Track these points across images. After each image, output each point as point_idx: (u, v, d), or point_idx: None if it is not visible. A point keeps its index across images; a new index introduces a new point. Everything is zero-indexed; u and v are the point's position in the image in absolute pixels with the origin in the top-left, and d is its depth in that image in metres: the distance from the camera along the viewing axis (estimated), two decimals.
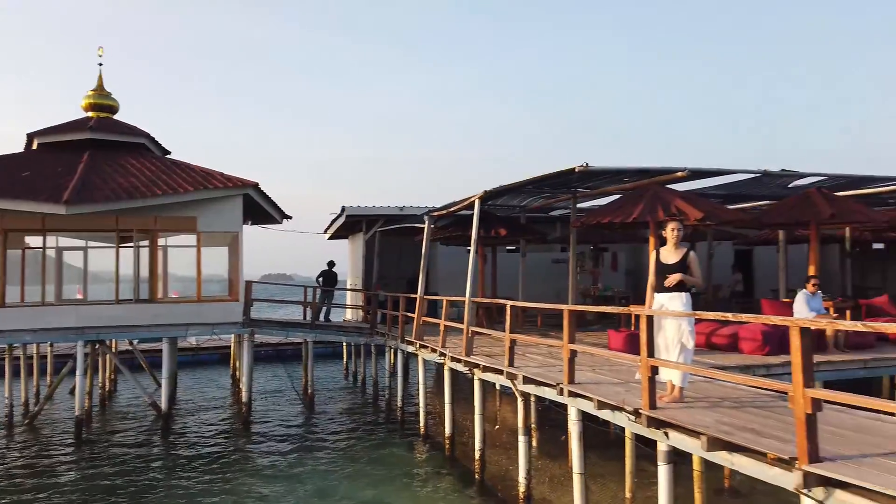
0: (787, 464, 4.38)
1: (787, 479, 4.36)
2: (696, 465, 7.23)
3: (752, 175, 10.79)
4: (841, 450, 4.48)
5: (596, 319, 15.62)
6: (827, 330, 9.72)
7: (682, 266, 6.04)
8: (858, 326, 3.88)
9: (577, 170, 9.79)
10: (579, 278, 18.92)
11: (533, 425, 11.49)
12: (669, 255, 6.23)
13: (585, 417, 7.17)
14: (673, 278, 6.02)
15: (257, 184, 14.62)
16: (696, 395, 6.55)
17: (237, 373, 19.02)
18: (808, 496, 4.21)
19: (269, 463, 11.56)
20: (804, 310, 10.09)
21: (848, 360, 9.46)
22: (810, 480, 4.16)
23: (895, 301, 14.48)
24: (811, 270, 11.18)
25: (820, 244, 23.75)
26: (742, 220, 11.39)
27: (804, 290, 10.21)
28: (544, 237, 15.23)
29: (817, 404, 4.19)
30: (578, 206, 15.17)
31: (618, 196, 12.02)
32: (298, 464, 11.38)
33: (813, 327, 4.45)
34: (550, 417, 11.76)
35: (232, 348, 21.19)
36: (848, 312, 11.39)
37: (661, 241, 6.54)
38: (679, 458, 5.95)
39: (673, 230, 6.18)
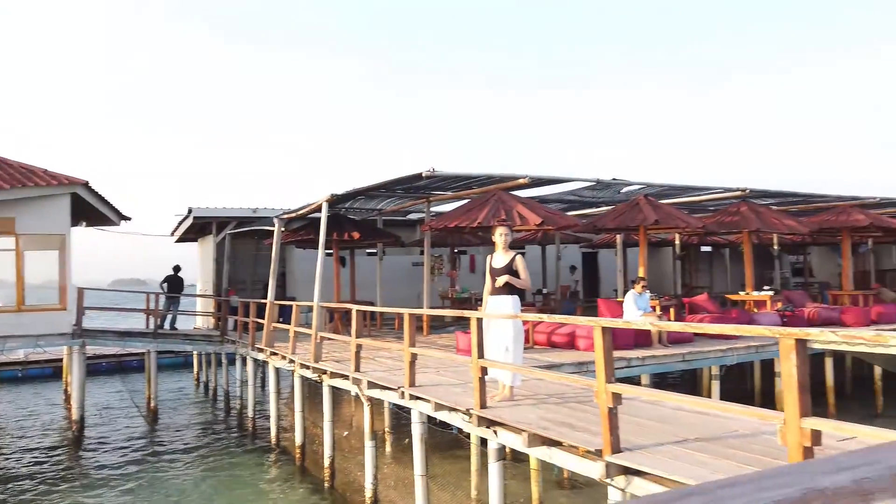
0: (595, 455, 4.69)
1: (595, 470, 4.66)
2: (532, 463, 7.58)
3: (588, 183, 11.52)
4: (642, 440, 4.85)
5: (454, 321, 15.96)
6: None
7: (509, 269, 6.29)
8: (648, 326, 4.22)
9: (424, 174, 9.92)
10: (436, 280, 19.26)
11: (387, 429, 11.51)
12: (499, 258, 6.47)
13: (438, 420, 7.28)
14: (499, 281, 6.26)
15: (87, 182, 13.43)
16: (528, 392, 6.85)
17: (69, 388, 17.38)
18: (612, 485, 4.53)
19: (102, 481, 10.64)
20: (633, 308, 10.91)
21: (669, 354, 10.35)
22: (612, 470, 4.48)
23: (714, 298, 16.13)
24: (640, 272, 12.14)
25: (655, 247, 25.86)
26: (579, 225, 12.11)
27: (633, 290, 11.05)
28: (400, 240, 15.32)
29: (618, 398, 4.51)
30: (438, 209, 15.44)
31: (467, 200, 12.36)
32: (135, 482, 10.58)
33: (635, 327, 4.80)
34: (407, 421, 11.83)
35: (64, 361, 19.34)
36: (672, 310, 12.47)
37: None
38: (525, 456, 6.19)
39: (501, 235, 6.43)
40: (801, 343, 3.26)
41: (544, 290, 19.60)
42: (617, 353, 9.98)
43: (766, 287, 15.27)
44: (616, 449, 4.51)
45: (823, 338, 3.26)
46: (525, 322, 11.00)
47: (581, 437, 4.99)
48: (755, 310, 13.45)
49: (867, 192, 15.52)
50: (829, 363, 12.27)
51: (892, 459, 1.06)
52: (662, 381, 15.79)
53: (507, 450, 7.00)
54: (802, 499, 0.97)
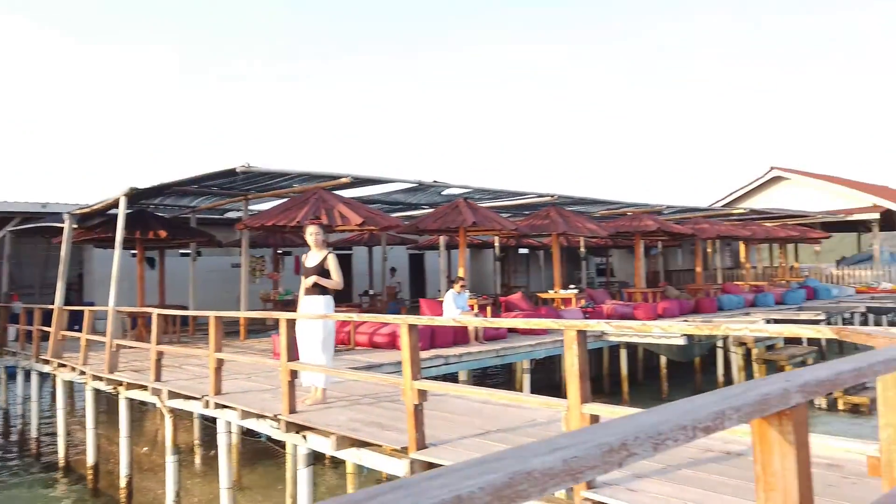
0: (401, 453, 4.68)
1: (401, 468, 4.65)
2: (348, 466, 7.45)
3: (410, 184, 11.66)
4: (448, 434, 4.94)
5: (276, 324, 15.35)
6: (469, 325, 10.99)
7: (320, 268, 6.12)
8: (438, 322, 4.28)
9: (238, 170, 9.40)
10: (257, 282, 18.45)
11: (196, 442, 10.74)
12: (311, 258, 6.28)
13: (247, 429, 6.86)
14: (307, 281, 6.07)
15: None
16: (341, 394, 6.72)
17: None
18: None
19: None
20: (452, 307, 11.22)
21: (485, 350, 10.78)
22: (416, 466, 4.49)
23: (528, 297, 17.18)
24: (460, 272, 12.54)
25: (477, 249, 26.87)
26: (402, 226, 12.23)
27: (452, 289, 11.36)
28: (216, 240, 14.42)
29: (423, 395, 4.54)
30: (259, 207, 14.74)
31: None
32: None
33: (453, 324, 4.85)
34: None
35: None
36: (489, 308, 13.03)
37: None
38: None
39: (312, 234, 6.24)
40: (581, 334, 3.48)
41: (371, 292, 19.60)
42: (436, 351, 10.30)
43: (571, 286, 16.54)
44: (421, 445, 4.54)
45: (599, 328, 3.50)
46: (347, 323, 10.88)
47: (389, 435, 4.96)
48: (562, 307, 14.49)
49: (657, 200, 17.43)
50: (623, 354, 13.55)
51: (601, 437, 1.09)
52: (484, 376, 16.48)
53: (328, 454, 6.82)
54: (508, 483, 0.95)
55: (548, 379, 14.37)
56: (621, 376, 13.55)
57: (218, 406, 6.72)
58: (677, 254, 30.36)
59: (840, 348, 16.59)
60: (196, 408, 7.24)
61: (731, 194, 31.22)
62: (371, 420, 5.50)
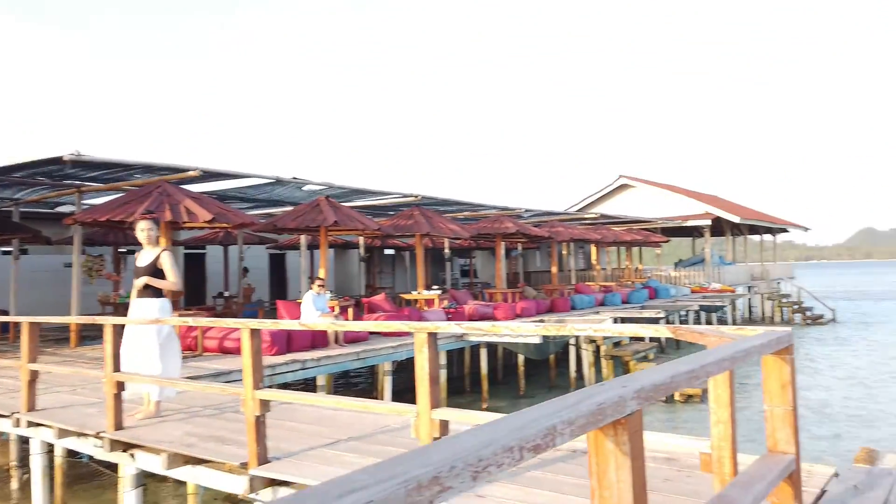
0: (242, 469, 4.29)
1: (241, 486, 4.27)
2: (189, 487, 6.83)
3: (267, 180, 11.07)
4: (295, 446, 4.61)
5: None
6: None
7: (153, 269, 5.53)
8: (296, 326, 3.99)
9: (65, 158, 8.39)
10: (94, 283, 16.77)
11: (12, 463, 9.45)
12: (143, 256, 5.66)
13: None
14: (139, 282, 5.48)
15: None
16: (179, 406, 6.14)
17: None
18: (257, 500, 4.18)
19: None
20: (311, 309, 10.79)
21: (345, 353, 10.46)
22: (257, 483, 4.14)
23: (392, 298, 17.03)
24: (321, 273, 12.10)
25: (342, 249, 26.36)
26: (258, 224, 11.60)
27: (311, 290, 10.93)
28: (44, 236, 12.90)
29: (265, 405, 4.20)
30: (96, 201, 13.35)
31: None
32: None
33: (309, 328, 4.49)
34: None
35: None
36: (350, 310, 12.69)
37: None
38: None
39: (143, 230, 5.63)
40: (432, 337, 3.33)
41: (226, 293, 18.52)
42: (293, 356, 9.83)
43: (435, 287, 16.62)
44: (263, 460, 4.19)
45: (450, 330, 3.38)
46: (195, 328, 10.09)
47: (229, 450, 4.55)
48: (425, 308, 14.49)
49: (517, 204, 18.00)
50: (483, 353, 13.78)
51: (412, 469, 0.90)
52: (346, 379, 16.10)
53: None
54: None
55: (410, 380, 14.24)
56: (481, 375, 13.78)
57: (31, 424, 5.89)
58: (536, 255, 31.69)
59: (678, 344, 18.03)
60: (6, 427, 6.31)
61: (584, 200, 33.12)
62: (210, 434, 5.04)
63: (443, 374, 11.96)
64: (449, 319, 14.14)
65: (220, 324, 4.79)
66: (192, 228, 12.65)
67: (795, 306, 28.01)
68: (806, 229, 39.19)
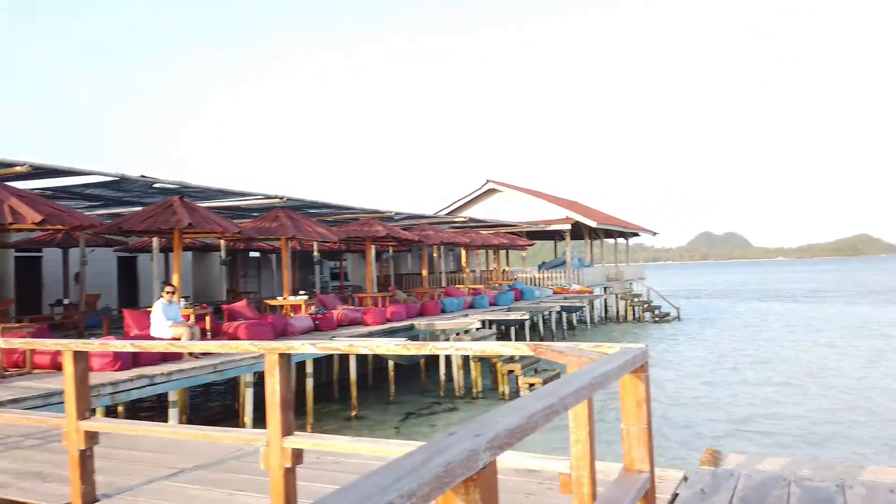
0: None
1: None
2: None
3: (111, 178, 10.09)
4: (133, 479, 4.12)
5: None
6: (182, 337, 9.83)
7: None
8: (127, 346, 3.54)
9: None
10: None
11: None
12: None
13: None
14: None
15: None
16: None
17: None
18: None
19: None
20: (161, 320, 9.96)
21: (199, 366, 9.72)
22: None
23: (256, 304, 16.23)
24: (174, 279, 11.22)
25: (202, 252, 24.88)
26: (102, 226, 10.54)
27: (161, 298, 10.09)
28: None
29: (93, 438, 3.69)
30: None
31: None
32: None
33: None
34: None
35: None
36: (208, 319, 11.88)
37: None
38: None
39: None
40: (284, 357, 3.05)
41: (66, 301, 16.79)
42: (140, 371, 8.97)
43: (302, 292, 16.04)
44: (90, 499, 3.68)
45: (304, 350, 3.12)
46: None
47: (50, 489, 3.98)
48: (292, 314, 13.92)
49: (387, 207, 17.84)
50: (352, 360, 13.46)
51: None
52: (204, 394, 15.10)
53: None
54: None
55: None
56: (351, 381, 13.45)
57: None
58: (407, 258, 31.71)
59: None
60: None
61: (453, 203, 33.65)
62: (30, 470, 4.39)
63: (309, 382, 11.51)
64: (316, 326, 13.65)
65: (34, 346, 4.18)
66: (20, 230, 11.27)
67: (645, 305, 30.16)
68: (654, 233, 42.47)
